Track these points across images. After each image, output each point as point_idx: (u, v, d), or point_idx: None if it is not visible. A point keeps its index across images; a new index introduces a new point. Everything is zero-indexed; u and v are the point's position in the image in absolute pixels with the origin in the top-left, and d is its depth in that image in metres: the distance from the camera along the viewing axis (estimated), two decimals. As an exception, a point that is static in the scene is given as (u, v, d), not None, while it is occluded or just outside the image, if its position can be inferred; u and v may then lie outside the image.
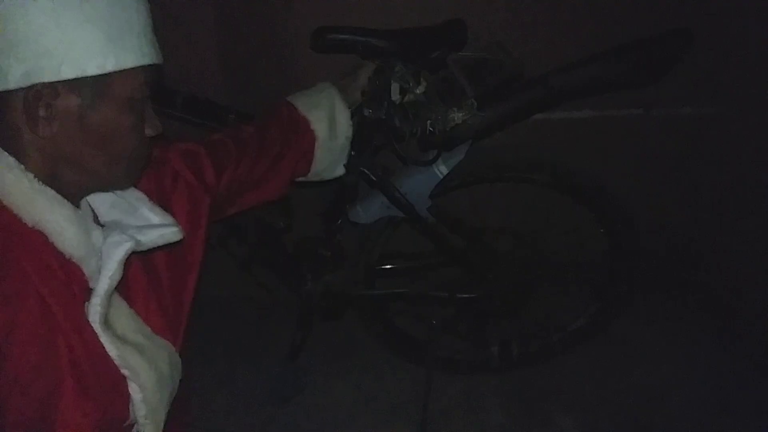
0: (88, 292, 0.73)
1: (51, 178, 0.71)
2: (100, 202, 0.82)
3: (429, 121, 1.26)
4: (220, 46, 1.67)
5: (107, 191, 0.81)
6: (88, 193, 0.80)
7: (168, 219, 0.83)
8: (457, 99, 1.25)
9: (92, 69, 0.68)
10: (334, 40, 1.24)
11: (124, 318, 0.78)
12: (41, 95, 0.67)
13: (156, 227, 0.80)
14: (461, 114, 1.25)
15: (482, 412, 1.66)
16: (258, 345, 1.87)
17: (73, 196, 0.75)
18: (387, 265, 1.61)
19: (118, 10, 0.69)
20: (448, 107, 1.25)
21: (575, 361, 1.74)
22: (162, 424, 0.83)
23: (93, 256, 0.73)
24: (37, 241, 0.70)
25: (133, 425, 0.80)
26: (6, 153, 0.69)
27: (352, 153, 1.37)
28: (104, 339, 0.74)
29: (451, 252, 1.55)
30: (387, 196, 1.40)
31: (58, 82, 0.67)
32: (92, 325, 0.73)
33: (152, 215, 0.82)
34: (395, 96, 1.28)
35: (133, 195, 0.84)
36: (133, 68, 0.71)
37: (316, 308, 1.61)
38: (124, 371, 0.76)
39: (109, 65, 0.69)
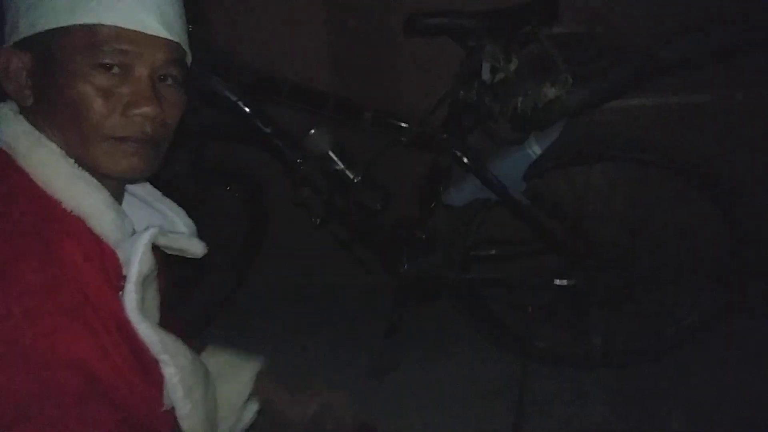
0: (122, 279, 0.73)
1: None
2: (137, 218, 0.83)
3: (520, 98, 1.26)
4: (328, 40, 1.78)
5: (105, 177, 0.74)
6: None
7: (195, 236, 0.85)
8: (550, 75, 1.23)
9: (40, 26, 0.68)
10: (426, 24, 1.28)
11: (155, 307, 0.78)
12: (4, 61, 0.70)
13: (185, 235, 0.83)
14: (554, 90, 1.23)
15: (584, 405, 1.59)
16: (359, 325, 1.94)
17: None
18: (482, 250, 1.61)
19: None
20: (540, 83, 1.24)
21: (689, 359, 1.61)
22: (201, 402, 0.81)
23: (126, 242, 0.73)
24: (77, 227, 0.69)
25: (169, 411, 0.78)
26: (46, 138, 0.70)
27: (444, 136, 1.40)
28: (144, 326, 0.72)
29: (547, 237, 1.51)
30: (479, 178, 1.41)
31: (15, 44, 0.70)
32: (129, 312, 0.72)
33: (185, 228, 0.85)
34: (486, 76, 1.28)
35: (168, 204, 0.87)
36: (81, 26, 0.68)
37: (411, 290, 1.65)
38: (163, 356, 0.74)
39: (52, 23, 0.68)
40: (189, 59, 0.81)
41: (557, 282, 1.53)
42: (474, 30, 1.26)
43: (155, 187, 0.89)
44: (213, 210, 1.81)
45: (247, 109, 1.43)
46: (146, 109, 0.70)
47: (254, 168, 1.77)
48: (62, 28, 0.68)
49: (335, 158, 1.48)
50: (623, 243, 1.51)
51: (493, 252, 1.63)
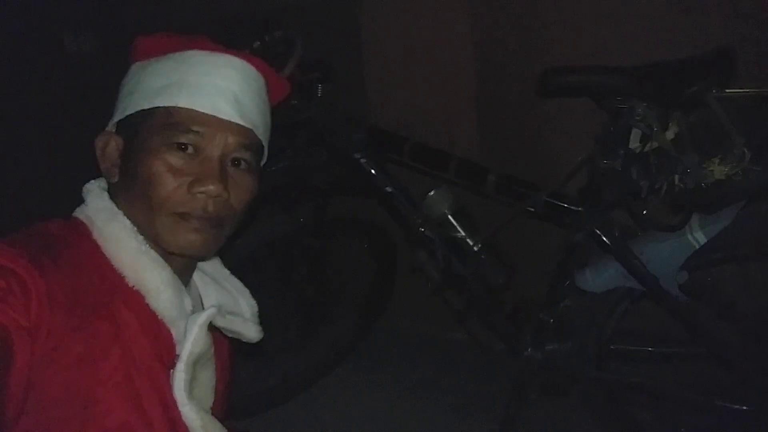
0: (175, 357, 0.74)
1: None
2: (207, 295, 0.86)
3: (677, 176, 1.02)
4: (476, 104, 1.70)
5: (171, 255, 0.76)
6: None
7: (256, 321, 0.86)
8: (719, 148, 0.98)
9: (130, 109, 0.75)
10: (562, 84, 1.10)
11: (209, 390, 0.78)
12: (104, 142, 0.77)
13: (245, 319, 0.84)
14: (725, 167, 0.97)
15: None
16: (482, 392, 1.76)
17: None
18: (624, 345, 1.34)
19: (186, 67, 0.76)
20: (705, 158, 0.99)
21: None
22: None
23: (183, 320, 0.74)
24: (137, 301, 0.71)
25: None
26: (123, 215, 0.73)
27: (581, 209, 1.19)
28: (187, 408, 0.72)
29: (712, 344, 1.20)
30: (623, 264, 1.17)
31: (114, 129, 0.77)
32: (175, 392, 0.72)
33: (248, 309, 0.87)
34: (634, 144, 1.07)
35: (234, 284, 0.89)
36: (162, 109, 0.73)
37: (534, 379, 1.43)
38: None
39: (138, 106, 0.74)
40: (265, 146, 0.84)
41: (721, 403, 1.20)
42: (622, 89, 1.05)
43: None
44: (342, 261, 1.81)
45: (368, 167, 1.38)
46: (210, 188, 0.72)
47: (384, 220, 1.74)
48: (147, 111, 0.74)
49: (455, 223, 1.35)
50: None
51: (640, 349, 1.35)
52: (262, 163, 0.86)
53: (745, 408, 1.19)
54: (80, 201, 0.78)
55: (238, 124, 0.76)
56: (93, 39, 2.39)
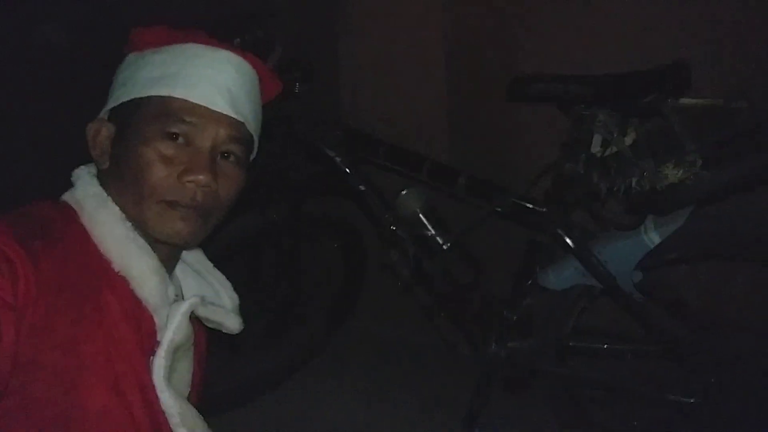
0: (156, 344, 0.74)
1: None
2: (187, 287, 0.87)
3: (635, 179, 1.09)
4: (448, 112, 1.76)
5: (157, 242, 0.77)
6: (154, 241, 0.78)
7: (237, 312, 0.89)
8: (673, 153, 1.05)
9: (124, 97, 0.76)
10: (529, 91, 1.16)
11: (187, 379, 0.79)
12: (96, 129, 0.78)
13: (226, 310, 0.86)
14: (678, 172, 1.05)
15: None
16: (436, 397, 1.79)
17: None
18: (582, 342, 1.40)
19: (181, 59, 0.77)
20: (660, 163, 1.06)
21: None
22: None
23: (165, 308, 0.75)
24: (121, 287, 0.72)
25: None
26: (112, 201, 0.74)
27: (545, 210, 1.26)
28: (166, 395, 0.72)
29: (664, 340, 1.27)
30: (582, 263, 1.23)
31: (107, 117, 0.79)
32: (155, 378, 0.72)
33: (229, 302, 0.88)
34: (595, 148, 1.14)
35: (217, 276, 0.90)
36: (156, 98, 0.74)
37: (497, 376, 1.48)
38: (181, 429, 0.74)
39: (133, 94, 0.75)
40: (256, 141, 0.85)
41: (672, 397, 1.27)
42: (586, 96, 1.12)
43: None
44: (312, 260, 1.82)
45: (342, 166, 1.42)
46: (200, 177, 0.73)
47: (356, 220, 1.77)
48: (141, 99, 0.75)
49: (426, 222, 1.39)
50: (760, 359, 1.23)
51: (595, 346, 1.41)
52: (252, 157, 0.87)
53: (693, 401, 1.26)
54: (57, 193, 0.78)
55: (230, 117, 0.77)
56: (61, 31, 2.35)
